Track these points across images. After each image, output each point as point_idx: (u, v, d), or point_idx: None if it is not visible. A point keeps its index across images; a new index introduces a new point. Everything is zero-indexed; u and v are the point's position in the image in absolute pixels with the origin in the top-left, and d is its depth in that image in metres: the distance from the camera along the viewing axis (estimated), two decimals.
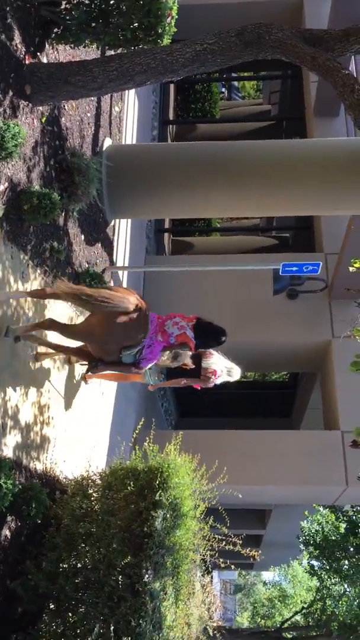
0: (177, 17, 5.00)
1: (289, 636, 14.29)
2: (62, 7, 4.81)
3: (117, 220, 7.64)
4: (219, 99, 17.35)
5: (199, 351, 5.66)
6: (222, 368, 5.85)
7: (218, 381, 5.90)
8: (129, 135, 8.63)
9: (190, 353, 5.31)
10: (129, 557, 4.21)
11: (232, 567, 6.58)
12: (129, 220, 8.51)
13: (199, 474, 5.61)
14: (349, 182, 6.71)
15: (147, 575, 4.12)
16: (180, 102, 16.09)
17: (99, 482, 5.23)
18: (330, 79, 4.25)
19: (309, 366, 11.02)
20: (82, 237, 6.15)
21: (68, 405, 5.90)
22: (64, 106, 5.56)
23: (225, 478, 6.10)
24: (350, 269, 5.22)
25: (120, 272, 7.87)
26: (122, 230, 8.05)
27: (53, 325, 4.73)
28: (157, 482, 4.65)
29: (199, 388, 5.83)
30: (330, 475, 8.57)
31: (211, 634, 6.76)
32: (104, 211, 6.77)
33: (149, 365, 5.07)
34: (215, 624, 9.24)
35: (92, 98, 6.47)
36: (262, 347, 10.02)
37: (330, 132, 10.89)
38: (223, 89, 26.80)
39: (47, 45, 5.00)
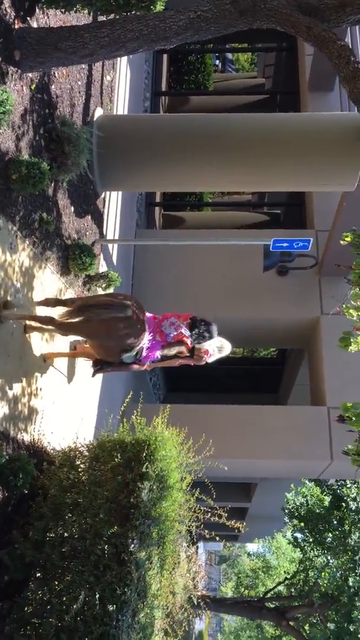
0: None
1: (272, 606, 14.58)
2: None
3: (108, 193, 7.56)
4: (212, 71, 17.10)
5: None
6: (214, 347, 5.95)
7: (210, 360, 6.00)
8: (121, 105, 8.49)
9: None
10: (116, 527, 4.25)
11: (217, 538, 6.68)
12: (120, 193, 8.42)
13: (186, 447, 5.65)
14: (341, 158, 6.67)
15: (132, 545, 4.17)
16: (173, 73, 15.84)
17: (86, 453, 5.25)
18: (325, 50, 4.18)
19: (297, 343, 11.08)
20: (72, 208, 6.08)
21: (57, 377, 5.89)
22: (54, 73, 5.45)
23: (212, 451, 6.16)
24: (342, 242, 5.21)
25: (110, 245, 7.81)
26: (113, 203, 7.97)
27: (52, 322, 4.92)
28: (144, 454, 4.69)
29: (192, 364, 5.88)
30: (316, 450, 8.68)
31: (195, 602, 6.88)
32: (94, 183, 6.69)
33: (150, 360, 5.30)
34: (199, 593, 9.43)
35: (83, 66, 6.34)
36: (252, 323, 10.04)
37: (324, 106, 10.80)
38: (217, 61, 26.40)
39: (37, 10, 4.88)
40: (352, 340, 5.16)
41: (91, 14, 5.38)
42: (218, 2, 4.41)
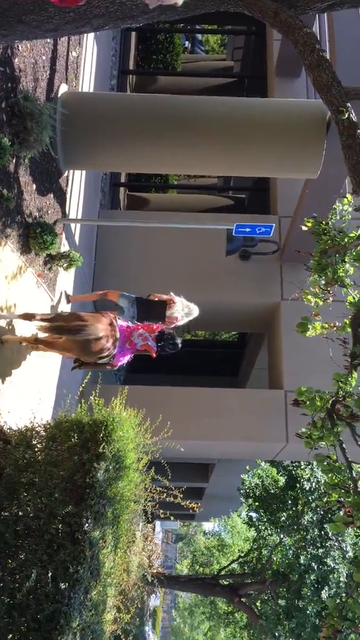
0: None
1: (225, 583, 14.92)
2: None
3: (71, 172, 7.46)
4: (181, 51, 16.93)
5: (166, 299, 6.93)
6: (182, 314, 6.89)
7: (180, 323, 6.91)
8: (87, 82, 8.36)
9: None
10: (70, 507, 4.28)
11: (172, 518, 6.81)
12: (84, 172, 8.32)
13: (143, 428, 5.70)
14: (305, 145, 6.73)
15: (87, 524, 4.21)
16: (141, 52, 15.63)
17: (43, 433, 5.24)
18: (291, 36, 4.19)
19: (257, 327, 11.22)
20: (34, 186, 5.99)
21: (15, 357, 5.85)
22: (18, 47, 5.32)
23: (169, 432, 6.23)
24: (303, 227, 5.29)
25: (72, 225, 7.73)
26: (76, 182, 7.88)
27: (39, 340, 5.69)
28: (101, 435, 4.71)
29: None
30: (272, 432, 8.85)
31: (149, 579, 7.00)
32: (57, 160, 6.59)
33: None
34: (154, 571, 9.58)
35: (48, 40, 6.20)
36: (213, 306, 10.10)
37: (291, 92, 10.84)
38: (186, 42, 26.15)
39: None
40: (309, 325, 5.27)
41: None
42: None
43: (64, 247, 7.26)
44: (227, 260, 9.33)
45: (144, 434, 5.71)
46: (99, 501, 4.41)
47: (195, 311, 7.02)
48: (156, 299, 6.97)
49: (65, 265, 6.66)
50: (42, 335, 5.68)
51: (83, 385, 6.13)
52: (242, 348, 15.57)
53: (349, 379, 4.57)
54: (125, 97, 8.03)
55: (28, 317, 5.52)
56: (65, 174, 7.15)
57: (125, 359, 6.12)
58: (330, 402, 4.34)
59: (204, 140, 6.69)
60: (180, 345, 6.44)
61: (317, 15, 7.84)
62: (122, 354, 5.98)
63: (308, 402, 4.50)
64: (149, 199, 13.64)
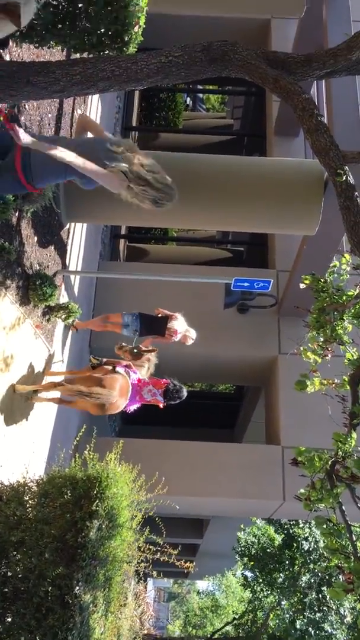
0: (144, 26, 5.02)
1: None
2: None
3: (72, 224, 7.56)
4: (183, 109, 17.47)
5: (167, 314, 7.49)
6: (182, 329, 7.41)
7: (177, 338, 7.37)
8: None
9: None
10: (61, 568, 4.14)
11: (165, 579, 6.59)
12: (84, 224, 8.43)
13: (138, 484, 5.58)
14: (303, 203, 6.86)
15: (77, 587, 4.06)
16: (144, 109, 16.11)
17: (35, 489, 5.12)
18: (290, 102, 4.31)
19: (255, 380, 11.16)
20: (35, 238, 6.06)
21: (8, 409, 5.77)
22: (25, 105, 5.48)
23: (165, 489, 6.10)
24: (301, 285, 5.32)
25: (72, 276, 7.78)
26: (77, 234, 7.97)
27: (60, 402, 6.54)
28: (95, 491, 4.61)
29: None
30: (269, 490, 8.68)
31: None
32: (59, 214, 6.68)
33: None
34: (146, 631, 9.20)
35: (55, 99, 6.38)
36: (211, 358, 10.09)
37: (289, 151, 11.11)
38: (188, 99, 27.00)
39: (11, 43, 4.92)
40: (308, 382, 5.23)
41: (64, 50, 5.46)
42: (189, 49, 4.52)
43: (63, 298, 7.29)
44: (225, 313, 9.36)
45: (138, 490, 5.59)
46: (91, 562, 4.27)
47: (193, 334, 7.60)
48: (159, 314, 7.51)
49: (63, 316, 6.67)
50: (58, 393, 6.36)
51: (77, 438, 6.04)
52: (239, 400, 15.45)
53: (349, 438, 4.51)
54: None
55: (53, 385, 6.22)
56: (67, 226, 7.24)
57: (133, 407, 6.66)
58: (329, 462, 4.27)
59: (204, 197, 6.81)
60: (185, 396, 6.90)
61: (314, 81, 8.10)
62: (131, 404, 6.56)
63: (307, 463, 4.42)
64: (148, 250, 13.79)
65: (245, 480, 8.71)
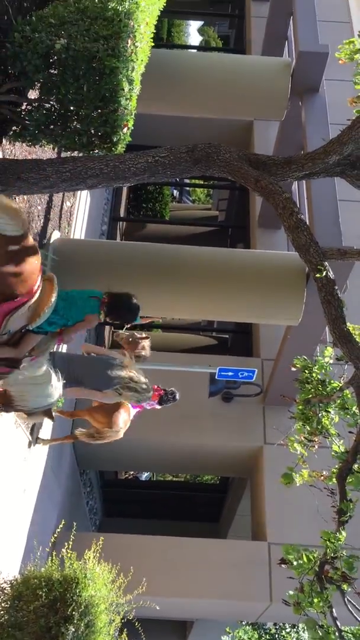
0: (132, 127, 5.28)
1: None
2: (23, 107, 4.99)
3: None
4: (169, 200, 18.14)
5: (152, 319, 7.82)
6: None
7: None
8: (78, 229, 8.79)
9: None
10: None
11: None
12: None
13: (117, 584, 5.29)
14: (286, 294, 7.00)
15: None
16: (132, 201, 16.70)
17: (8, 590, 4.85)
18: (271, 201, 4.49)
19: (240, 471, 10.90)
20: None
21: None
22: (15, 198, 5.64)
23: (144, 588, 5.80)
24: (292, 368, 5.32)
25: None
26: None
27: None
28: (71, 594, 4.36)
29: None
30: (254, 591, 8.25)
31: None
32: None
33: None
34: None
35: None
36: (194, 448, 9.90)
37: (272, 243, 11.42)
38: (175, 191, 28.08)
39: (4, 141, 5.14)
40: (294, 476, 5.12)
41: (55, 149, 5.70)
42: (175, 150, 4.75)
43: None
44: (210, 401, 9.28)
45: (117, 591, 5.29)
46: None
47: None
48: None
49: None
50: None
51: (55, 535, 5.77)
52: (223, 492, 15.02)
53: (338, 536, 4.36)
54: (113, 244, 8.45)
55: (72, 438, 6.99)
56: None
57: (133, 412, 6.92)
58: (318, 563, 4.10)
59: (190, 287, 6.94)
60: (178, 397, 7.04)
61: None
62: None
63: (295, 563, 4.24)
64: None
65: (230, 580, 8.29)
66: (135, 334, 6.72)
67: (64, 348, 7.03)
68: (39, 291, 3.60)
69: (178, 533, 9.59)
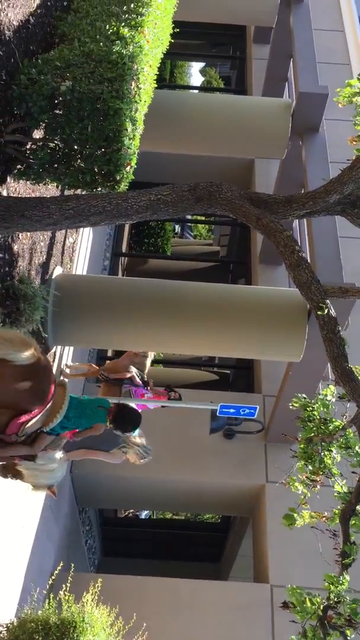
0: (135, 166, 5.36)
1: None
2: (28, 147, 5.07)
3: (59, 347, 7.60)
4: (171, 236, 18.30)
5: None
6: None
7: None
8: (81, 264, 8.85)
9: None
10: None
11: None
12: (71, 350, 8.49)
13: (116, 629, 5.15)
14: (287, 331, 6.98)
15: None
16: (134, 236, 16.85)
17: (5, 634, 4.71)
18: (273, 239, 4.52)
19: (241, 510, 10.72)
20: None
21: None
22: (18, 234, 5.69)
23: (144, 635, 5.64)
24: (291, 407, 5.27)
25: None
26: (63, 357, 7.99)
27: None
28: (69, 639, 4.24)
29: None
30: (257, 635, 8.00)
31: None
32: (46, 338, 6.73)
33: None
34: None
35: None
36: (195, 486, 9.76)
37: (273, 278, 11.47)
38: (176, 226, 28.37)
39: (9, 179, 5.21)
40: (296, 516, 5.03)
41: (59, 187, 5.77)
42: (177, 188, 4.80)
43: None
44: (211, 438, 9.18)
45: (116, 636, 5.15)
46: None
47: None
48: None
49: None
50: None
51: (53, 577, 5.65)
52: (225, 532, 14.73)
53: (341, 580, 4.26)
54: (114, 280, 8.50)
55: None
56: (53, 350, 7.26)
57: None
58: (321, 608, 3.99)
59: (190, 323, 6.94)
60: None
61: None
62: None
63: (298, 607, 4.13)
64: None
65: (232, 624, 8.04)
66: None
67: None
68: (52, 399, 4.01)
69: (178, 574, 9.38)
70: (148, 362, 8.06)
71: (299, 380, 7.75)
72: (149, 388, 7.72)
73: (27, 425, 3.75)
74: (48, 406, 3.91)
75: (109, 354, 12.32)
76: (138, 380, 7.62)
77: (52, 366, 4.23)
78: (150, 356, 8.15)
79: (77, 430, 4.86)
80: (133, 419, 5.47)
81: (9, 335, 3.79)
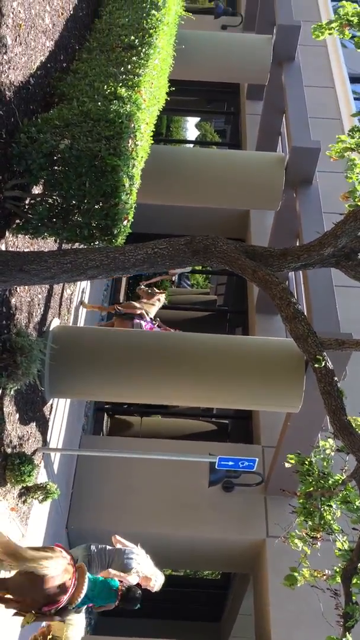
0: (132, 219, 5.44)
1: None
2: (27, 202, 5.16)
3: (56, 399, 7.53)
4: (168, 285, 18.40)
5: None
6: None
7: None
8: (78, 315, 8.87)
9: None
10: None
11: None
12: (68, 399, 8.40)
13: None
14: (285, 381, 6.95)
15: None
16: (131, 286, 16.94)
17: None
18: (268, 291, 4.55)
19: (241, 567, 10.42)
20: (17, 415, 5.97)
21: None
22: (16, 288, 5.71)
23: None
24: (286, 464, 5.19)
25: (52, 454, 7.57)
26: (60, 409, 7.90)
27: None
28: None
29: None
30: None
31: None
32: (42, 391, 6.68)
33: None
34: None
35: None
36: (194, 541, 9.51)
37: (270, 328, 11.46)
38: (173, 277, 28.54)
39: (7, 233, 5.27)
40: (296, 574, 4.90)
41: (57, 241, 5.85)
42: (174, 242, 4.86)
43: (42, 476, 7.01)
44: (210, 491, 9.00)
45: None
46: None
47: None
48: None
49: (40, 497, 6.36)
50: None
51: None
52: (225, 589, 14.27)
53: None
54: (111, 331, 8.49)
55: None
56: (50, 402, 7.20)
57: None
58: None
59: (189, 375, 6.91)
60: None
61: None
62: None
63: None
64: (132, 422, 13.62)
65: None
66: (155, 288, 9.81)
67: None
68: (74, 585, 5.08)
69: (177, 634, 9.07)
70: (155, 308, 9.67)
71: (298, 431, 7.67)
72: (157, 325, 9.28)
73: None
74: (71, 591, 4.97)
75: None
76: (147, 317, 9.08)
77: (72, 561, 5.13)
78: (158, 304, 9.77)
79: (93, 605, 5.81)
80: (135, 600, 6.15)
81: (31, 554, 4.74)
